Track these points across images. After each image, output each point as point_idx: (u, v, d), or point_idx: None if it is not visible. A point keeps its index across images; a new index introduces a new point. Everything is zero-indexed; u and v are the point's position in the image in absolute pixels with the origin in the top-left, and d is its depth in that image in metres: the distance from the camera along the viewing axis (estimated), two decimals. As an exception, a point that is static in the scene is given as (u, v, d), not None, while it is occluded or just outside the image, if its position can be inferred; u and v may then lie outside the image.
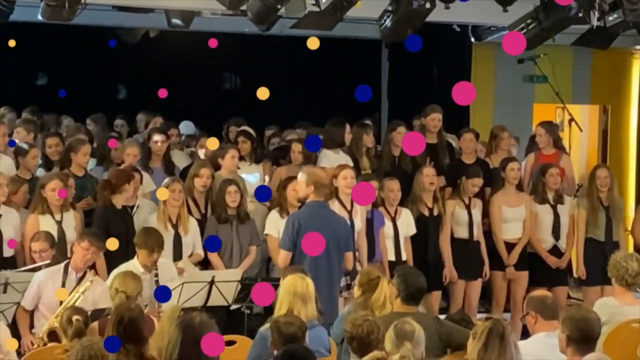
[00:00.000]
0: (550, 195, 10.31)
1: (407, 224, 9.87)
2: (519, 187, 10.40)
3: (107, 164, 10.32)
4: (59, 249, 8.75)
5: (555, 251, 10.31)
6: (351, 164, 10.06)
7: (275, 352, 5.78)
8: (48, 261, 8.42)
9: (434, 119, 10.92)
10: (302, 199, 8.69)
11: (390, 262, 9.59)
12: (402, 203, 9.95)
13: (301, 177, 8.58)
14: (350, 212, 9.23)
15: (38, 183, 9.09)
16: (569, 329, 5.76)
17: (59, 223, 8.93)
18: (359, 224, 9.34)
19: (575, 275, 10.47)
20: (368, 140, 10.55)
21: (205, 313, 5.09)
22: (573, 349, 5.72)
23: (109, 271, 8.46)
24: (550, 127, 11.18)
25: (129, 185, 9.24)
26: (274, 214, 9.43)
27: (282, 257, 8.47)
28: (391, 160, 10.67)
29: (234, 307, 8.82)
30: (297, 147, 10.36)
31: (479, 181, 10.15)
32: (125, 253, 8.69)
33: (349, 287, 8.93)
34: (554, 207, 10.30)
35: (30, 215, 8.98)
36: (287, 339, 5.91)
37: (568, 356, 5.75)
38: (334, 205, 9.23)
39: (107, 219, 9.11)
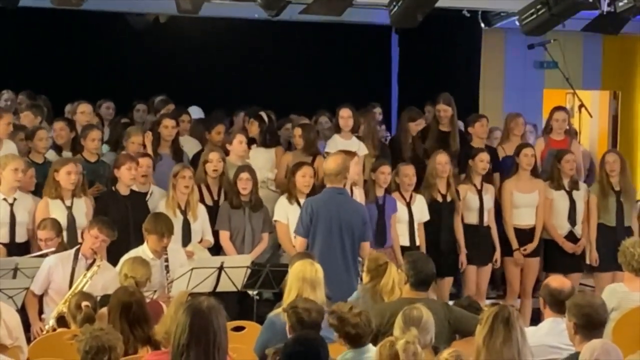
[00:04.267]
0: (566, 182, 10.27)
1: (421, 209, 9.87)
2: (535, 173, 10.36)
3: (119, 150, 10.32)
4: (69, 235, 8.75)
5: (571, 237, 10.27)
6: (365, 150, 10.12)
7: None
8: (53, 249, 8.37)
9: (440, 110, 10.91)
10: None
11: (404, 248, 9.58)
12: (415, 189, 9.95)
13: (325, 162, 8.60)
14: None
15: (51, 167, 9.06)
16: (575, 316, 5.75)
17: (69, 208, 8.90)
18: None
19: (587, 261, 10.41)
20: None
21: (213, 297, 5.09)
22: (581, 336, 5.71)
23: (108, 257, 8.38)
24: (568, 114, 11.19)
25: (119, 170, 9.22)
26: (283, 200, 9.41)
27: (298, 244, 8.49)
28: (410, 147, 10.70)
29: (252, 292, 8.81)
30: (297, 132, 10.33)
31: (485, 155, 10.12)
32: (126, 239, 8.66)
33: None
34: (569, 193, 10.27)
35: (41, 200, 8.96)
36: (308, 326, 5.93)
37: (576, 343, 5.74)
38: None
39: (106, 205, 9.13)
